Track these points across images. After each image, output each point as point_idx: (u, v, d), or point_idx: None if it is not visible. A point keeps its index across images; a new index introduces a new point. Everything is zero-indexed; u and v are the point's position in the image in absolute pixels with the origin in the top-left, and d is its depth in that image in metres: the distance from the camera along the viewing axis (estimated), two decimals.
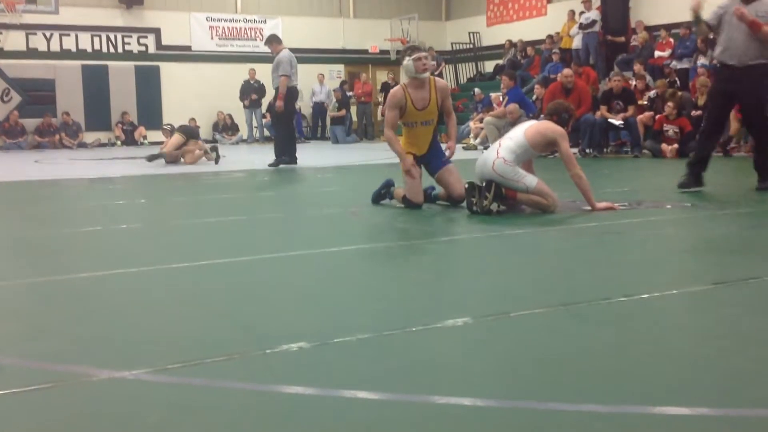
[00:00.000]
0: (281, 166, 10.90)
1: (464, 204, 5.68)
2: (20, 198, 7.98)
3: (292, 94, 10.95)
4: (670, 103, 11.42)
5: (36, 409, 2.06)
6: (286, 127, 11.19)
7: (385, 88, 20.43)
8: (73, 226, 5.64)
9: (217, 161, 11.71)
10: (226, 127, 19.72)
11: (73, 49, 18.85)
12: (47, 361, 2.41)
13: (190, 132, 12.25)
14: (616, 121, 11.84)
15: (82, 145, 18.28)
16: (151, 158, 11.61)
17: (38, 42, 18.55)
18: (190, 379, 2.22)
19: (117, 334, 2.72)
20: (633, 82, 13.50)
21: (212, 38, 20.23)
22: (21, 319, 3.00)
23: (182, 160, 11.89)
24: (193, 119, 14.07)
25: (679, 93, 12.32)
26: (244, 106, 19.37)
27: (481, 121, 14.19)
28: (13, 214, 6.61)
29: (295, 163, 11.06)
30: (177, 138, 11.99)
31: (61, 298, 3.37)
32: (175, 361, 2.36)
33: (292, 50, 11.16)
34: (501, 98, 13.15)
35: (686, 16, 15.10)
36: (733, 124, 11.09)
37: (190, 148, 11.89)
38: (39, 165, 12.88)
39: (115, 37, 19.27)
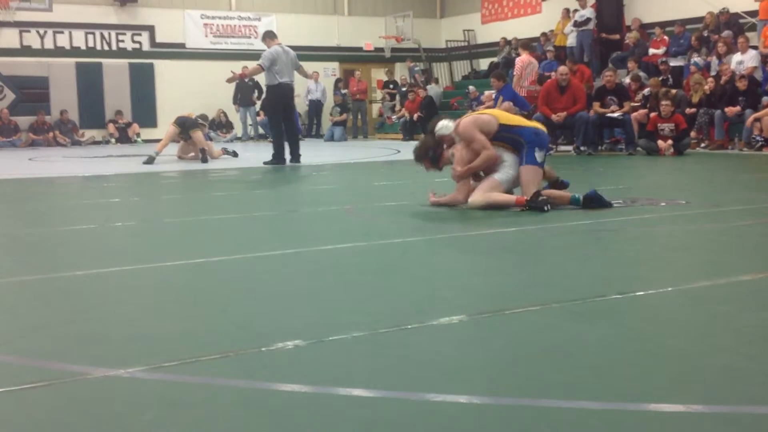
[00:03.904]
0: (267, 165, 10.76)
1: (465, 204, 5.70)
2: (15, 196, 7.96)
3: (277, 92, 10.70)
4: (665, 102, 11.44)
5: (31, 407, 2.06)
6: (275, 125, 11.11)
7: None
8: (68, 224, 5.63)
9: (204, 161, 11.61)
10: (220, 124, 19.69)
11: (67, 47, 18.78)
12: (42, 359, 2.41)
13: (184, 123, 11.87)
14: (615, 114, 11.83)
15: (76, 143, 18.23)
16: (149, 161, 11.37)
17: (32, 39, 18.47)
18: (185, 377, 2.22)
19: (112, 332, 2.71)
20: (627, 80, 13.53)
21: (206, 36, 20.18)
22: (16, 316, 3.00)
23: (185, 155, 11.87)
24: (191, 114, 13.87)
25: (673, 91, 12.35)
26: (236, 109, 19.43)
27: None
28: (7, 212, 6.59)
29: (283, 163, 10.81)
30: (172, 129, 11.80)
31: (56, 295, 3.36)
32: (171, 358, 2.36)
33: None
34: (492, 96, 13.13)
35: (680, 14, 15.19)
36: None
37: (196, 138, 11.76)
38: (33, 163, 12.85)
39: (109, 34, 19.21)
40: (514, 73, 13.62)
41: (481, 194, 5.56)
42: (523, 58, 13.71)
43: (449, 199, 5.75)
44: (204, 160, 11.55)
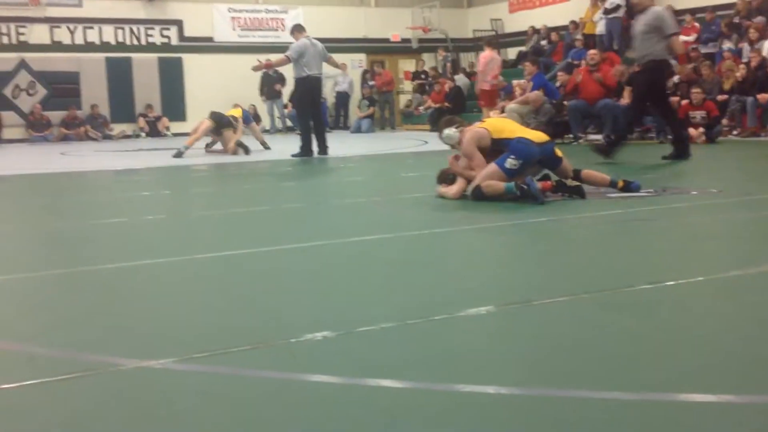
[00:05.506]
0: (295, 157, 10.81)
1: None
2: (47, 190, 8.08)
3: (305, 84, 10.75)
4: (696, 89, 11.28)
5: (66, 398, 2.10)
6: (302, 119, 11.16)
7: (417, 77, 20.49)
8: (100, 218, 5.70)
9: (246, 152, 11.70)
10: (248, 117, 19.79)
11: (97, 42, 18.98)
12: (76, 350, 2.45)
13: (220, 119, 11.87)
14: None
15: (107, 137, 18.44)
16: (178, 155, 11.33)
17: (62, 35, 18.69)
18: (216, 368, 2.25)
19: (144, 324, 2.75)
20: None
21: (234, 29, 20.27)
22: (50, 309, 3.05)
23: (216, 147, 11.97)
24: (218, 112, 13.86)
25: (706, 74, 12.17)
26: (263, 101, 19.53)
27: (502, 110, 14.12)
28: (40, 207, 6.69)
29: (311, 155, 10.83)
30: (206, 123, 11.77)
31: (89, 288, 3.41)
32: (202, 350, 2.39)
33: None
34: (525, 84, 13.06)
35: (711, 0, 14.95)
36: None
37: (229, 135, 11.82)
38: (65, 157, 13.01)
39: (138, 29, 19.38)
40: (478, 68, 14.26)
41: (480, 181, 5.64)
42: (486, 54, 14.41)
43: (456, 191, 5.80)
44: (246, 152, 11.69)
